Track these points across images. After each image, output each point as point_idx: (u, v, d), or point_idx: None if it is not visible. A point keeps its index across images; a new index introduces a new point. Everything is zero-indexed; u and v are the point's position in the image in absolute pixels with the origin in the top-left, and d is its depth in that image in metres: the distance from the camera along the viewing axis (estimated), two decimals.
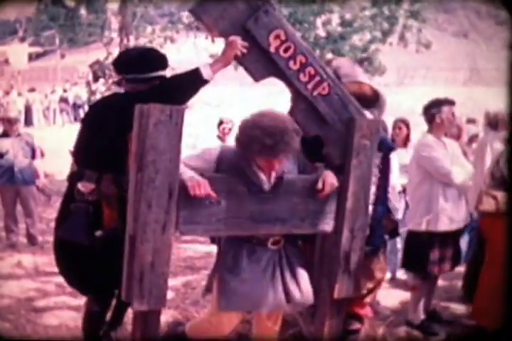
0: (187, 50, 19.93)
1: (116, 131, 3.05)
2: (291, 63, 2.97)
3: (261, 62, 2.96)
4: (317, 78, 3.03)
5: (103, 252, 3.15)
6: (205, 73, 3.00)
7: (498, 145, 4.57)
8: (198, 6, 2.85)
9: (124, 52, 3.81)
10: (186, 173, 2.80)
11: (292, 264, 3.14)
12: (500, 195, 4.06)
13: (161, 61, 3.28)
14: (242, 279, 3.00)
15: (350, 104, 3.15)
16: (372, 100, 3.58)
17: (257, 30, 2.89)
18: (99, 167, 3.18)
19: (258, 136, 2.78)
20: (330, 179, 3.05)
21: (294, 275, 3.13)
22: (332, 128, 3.13)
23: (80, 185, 3.19)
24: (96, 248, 3.14)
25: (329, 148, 3.16)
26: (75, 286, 3.50)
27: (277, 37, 2.91)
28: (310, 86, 3.03)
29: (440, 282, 4.87)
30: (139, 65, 3.19)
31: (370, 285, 3.68)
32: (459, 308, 4.84)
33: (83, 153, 3.30)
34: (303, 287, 3.14)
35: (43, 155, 7.34)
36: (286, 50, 2.94)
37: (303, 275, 3.16)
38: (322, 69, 3.05)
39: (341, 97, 3.12)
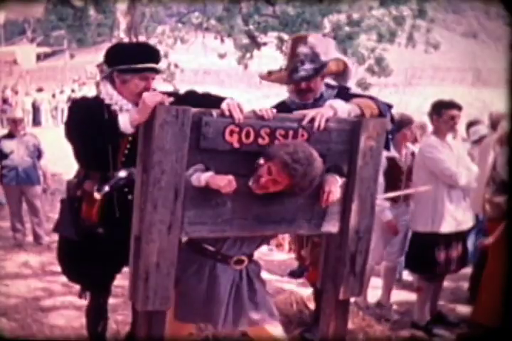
0: (195, 49, 19.94)
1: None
2: (260, 141, 2.81)
3: (236, 162, 2.82)
4: (291, 133, 2.87)
5: (84, 247, 3.24)
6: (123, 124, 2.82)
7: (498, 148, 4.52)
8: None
9: (116, 45, 3.71)
10: (202, 175, 2.74)
11: (252, 285, 3.12)
12: (502, 200, 4.06)
13: (154, 53, 3.23)
14: (199, 295, 3.02)
15: (332, 123, 2.98)
16: (342, 72, 3.52)
17: (213, 143, 2.73)
18: (83, 164, 3.26)
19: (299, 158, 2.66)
20: (333, 188, 2.96)
21: (253, 297, 3.11)
22: (332, 155, 3.02)
23: (67, 181, 3.33)
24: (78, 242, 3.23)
25: (338, 165, 3.12)
26: (71, 280, 3.57)
27: (232, 132, 2.74)
28: None
29: (446, 283, 4.86)
30: (132, 54, 3.14)
31: None
32: (464, 310, 4.83)
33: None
34: (260, 309, 3.11)
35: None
36: (247, 136, 2.78)
37: (262, 296, 3.14)
38: (288, 121, 2.88)
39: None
